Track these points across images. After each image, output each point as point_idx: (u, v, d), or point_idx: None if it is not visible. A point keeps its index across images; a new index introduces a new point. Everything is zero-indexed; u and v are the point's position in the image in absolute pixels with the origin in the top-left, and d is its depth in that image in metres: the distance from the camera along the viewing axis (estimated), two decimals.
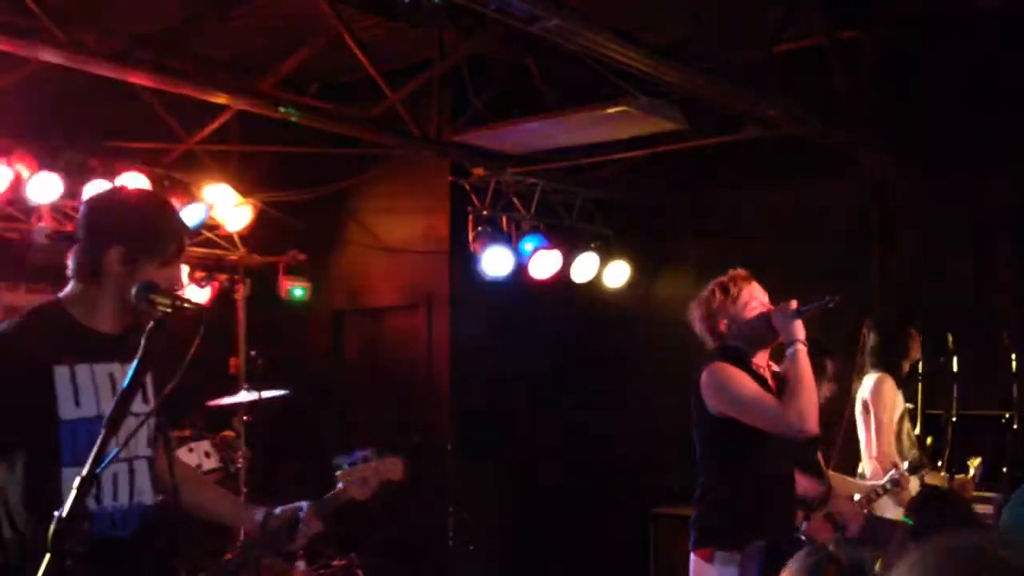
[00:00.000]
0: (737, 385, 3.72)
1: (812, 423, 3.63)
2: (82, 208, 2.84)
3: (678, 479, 7.30)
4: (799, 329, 3.74)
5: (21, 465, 2.57)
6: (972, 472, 5.23)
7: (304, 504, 3.05)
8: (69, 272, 2.74)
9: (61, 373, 2.60)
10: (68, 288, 2.74)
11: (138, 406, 2.70)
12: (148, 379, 2.73)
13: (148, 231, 2.70)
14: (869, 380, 5.35)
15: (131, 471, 2.71)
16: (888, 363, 5.38)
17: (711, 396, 3.76)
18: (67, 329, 2.67)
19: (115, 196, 3.17)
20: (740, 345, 3.86)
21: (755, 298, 3.92)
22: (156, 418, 2.74)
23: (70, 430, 2.58)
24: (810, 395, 3.64)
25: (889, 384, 5.32)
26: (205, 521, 3.23)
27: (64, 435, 2.57)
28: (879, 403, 5.28)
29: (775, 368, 3.96)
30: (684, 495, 7.13)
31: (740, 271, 4.02)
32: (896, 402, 5.33)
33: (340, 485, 3.15)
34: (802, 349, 3.70)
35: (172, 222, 2.81)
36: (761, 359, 3.90)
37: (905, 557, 1.29)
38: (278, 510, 3.02)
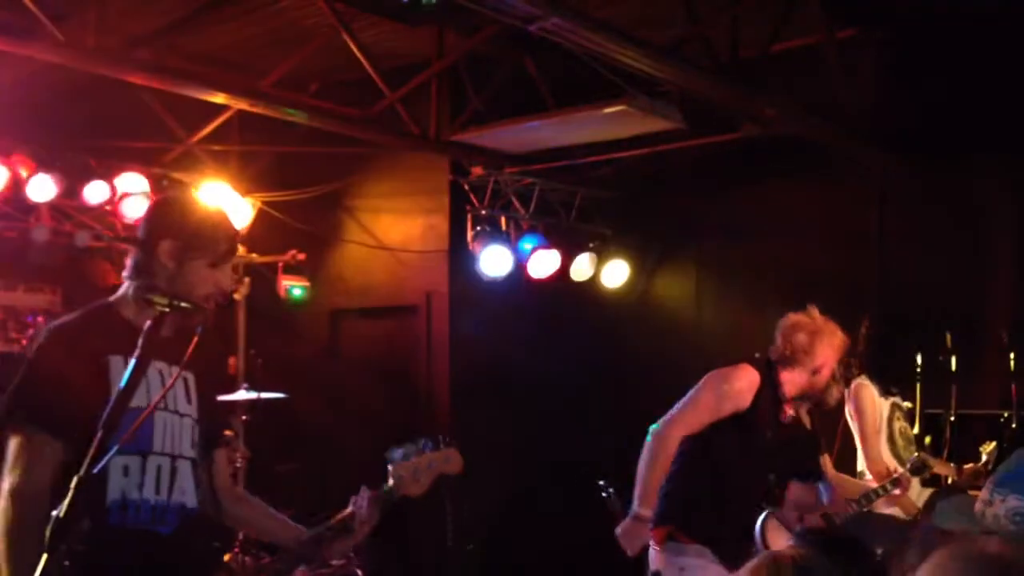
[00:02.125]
0: (718, 389, 3.91)
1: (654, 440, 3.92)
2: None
3: None
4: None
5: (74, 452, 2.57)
6: (985, 459, 5.16)
7: (347, 512, 2.91)
8: (125, 272, 2.78)
9: (116, 362, 2.63)
10: (120, 290, 2.78)
11: (183, 406, 2.75)
12: (191, 380, 2.77)
13: (200, 229, 2.74)
14: (847, 390, 5.31)
15: (173, 468, 2.72)
16: (876, 363, 5.35)
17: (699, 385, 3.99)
18: (119, 327, 2.69)
19: (177, 195, 3.20)
20: (787, 380, 4.03)
21: (829, 367, 4.07)
22: (201, 424, 2.78)
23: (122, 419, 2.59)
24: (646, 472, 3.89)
25: (867, 391, 5.26)
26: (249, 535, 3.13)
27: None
28: (859, 413, 5.24)
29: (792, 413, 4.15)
30: None
31: (839, 334, 4.12)
32: (878, 406, 5.28)
33: (391, 481, 2.97)
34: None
35: (225, 225, 2.85)
36: (789, 393, 4.07)
37: (928, 558, 1.28)
38: (323, 527, 2.89)
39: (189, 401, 2.76)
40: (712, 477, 3.90)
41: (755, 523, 4.06)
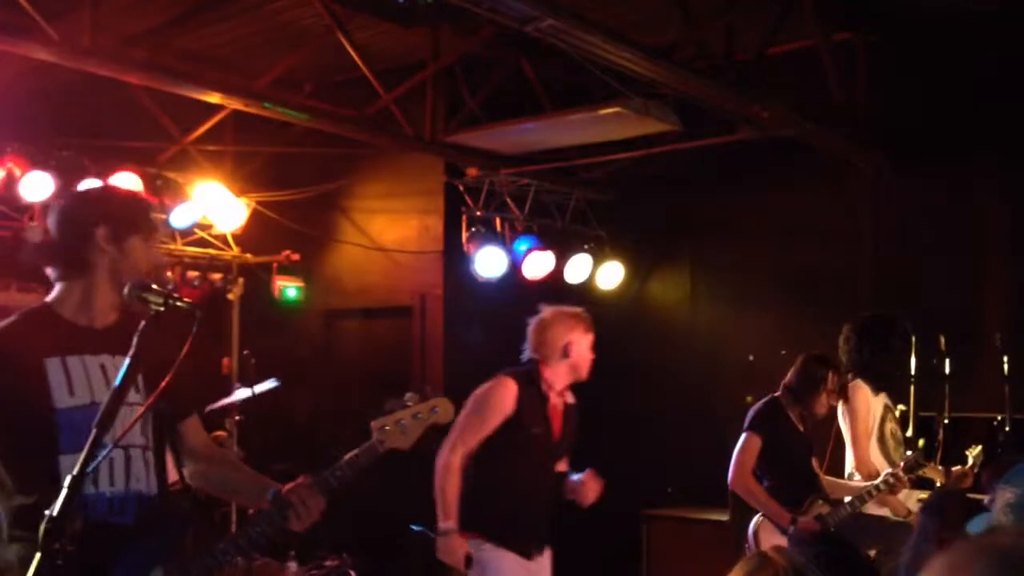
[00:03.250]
0: (480, 408, 4.19)
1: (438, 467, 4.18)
2: (52, 212, 2.91)
3: (671, 481, 7.32)
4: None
5: (12, 455, 2.63)
6: (971, 462, 5.17)
7: (305, 479, 2.86)
8: (52, 276, 2.82)
9: (53, 365, 2.67)
10: (55, 290, 2.82)
11: (131, 396, 2.72)
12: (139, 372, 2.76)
13: (127, 207, 2.88)
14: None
15: (127, 458, 2.75)
16: (865, 364, 5.36)
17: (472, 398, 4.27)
18: (56, 327, 2.74)
19: (85, 190, 3.35)
20: (549, 374, 4.31)
21: (577, 343, 4.35)
22: (154, 410, 2.76)
23: (67, 418, 2.63)
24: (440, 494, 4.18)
25: (862, 392, 5.27)
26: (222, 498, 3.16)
27: (61, 423, 2.63)
28: (852, 414, 5.26)
29: (569, 400, 4.49)
30: (677, 497, 7.17)
31: (567, 314, 4.41)
32: (871, 407, 5.29)
33: (375, 436, 2.92)
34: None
35: (142, 198, 3.05)
36: (559, 383, 4.37)
37: (935, 558, 1.28)
38: (287, 488, 2.84)
39: (137, 390, 2.75)
40: (496, 479, 4.20)
41: (545, 513, 4.33)
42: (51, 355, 2.67)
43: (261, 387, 6.72)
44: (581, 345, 4.35)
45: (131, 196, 3.04)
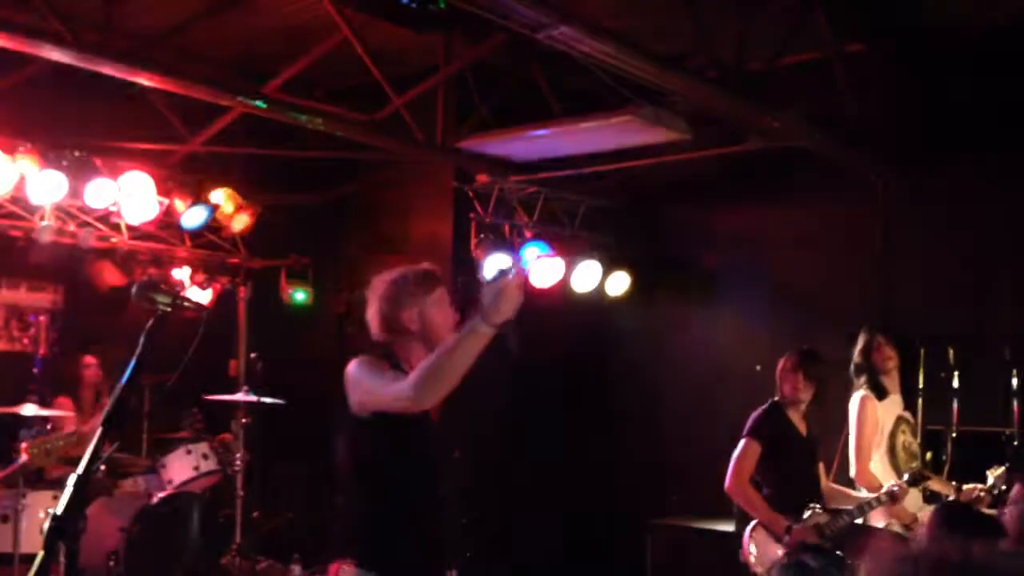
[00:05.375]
0: (372, 372, 3.28)
1: (427, 394, 3.07)
2: None
3: (677, 490, 7.29)
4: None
5: None
6: (992, 482, 5.09)
7: None
8: None
9: None
10: None
11: None
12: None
13: None
14: (853, 401, 5.31)
15: None
16: (867, 376, 5.34)
17: (351, 391, 3.38)
18: None
19: None
20: (405, 354, 3.37)
21: (420, 309, 3.42)
22: None
23: None
24: (445, 366, 3.08)
25: (869, 404, 5.25)
26: None
27: None
28: (859, 425, 5.23)
29: None
30: (682, 506, 7.15)
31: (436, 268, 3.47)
32: (880, 420, 5.26)
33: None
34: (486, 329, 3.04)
35: None
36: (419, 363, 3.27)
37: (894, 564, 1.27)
38: None
39: None
40: (381, 489, 3.31)
41: (442, 525, 3.40)
42: None
43: (269, 400, 6.75)
44: (429, 311, 3.40)
45: None
